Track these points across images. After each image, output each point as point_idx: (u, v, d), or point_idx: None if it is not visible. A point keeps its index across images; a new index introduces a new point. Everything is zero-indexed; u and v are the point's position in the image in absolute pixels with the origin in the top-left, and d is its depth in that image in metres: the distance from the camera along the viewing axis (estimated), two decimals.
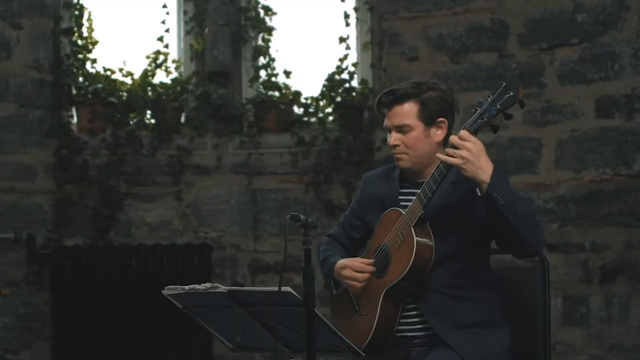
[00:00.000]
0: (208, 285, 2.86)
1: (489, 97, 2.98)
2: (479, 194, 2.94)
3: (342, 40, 6.03)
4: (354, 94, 6.04)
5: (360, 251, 3.35)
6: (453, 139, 2.96)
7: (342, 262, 3.24)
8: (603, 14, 5.34)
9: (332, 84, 6.05)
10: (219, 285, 2.86)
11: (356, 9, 6.07)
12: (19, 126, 5.78)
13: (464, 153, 2.92)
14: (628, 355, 5.22)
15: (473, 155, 2.92)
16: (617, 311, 5.27)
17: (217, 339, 3.08)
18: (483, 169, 2.92)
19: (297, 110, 6.14)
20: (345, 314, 3.28)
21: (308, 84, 6.21)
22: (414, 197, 3.11)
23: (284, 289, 2.71)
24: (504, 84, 2.98)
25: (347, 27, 6.05)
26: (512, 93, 2.95)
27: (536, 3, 5.55)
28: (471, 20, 5.70)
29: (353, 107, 6.00)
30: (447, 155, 2.96)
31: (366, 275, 3.16)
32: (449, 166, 2.98)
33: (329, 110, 6.13)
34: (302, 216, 2.80)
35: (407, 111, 3.16)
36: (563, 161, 5.45)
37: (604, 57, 5.34)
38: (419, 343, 3.14)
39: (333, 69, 6.06)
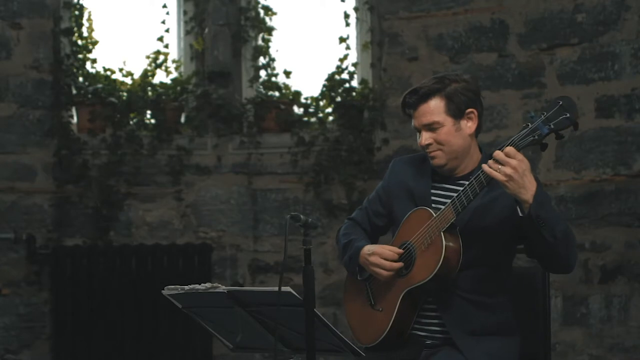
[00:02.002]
0: (208, 285, 2.86)
1: (543, 114, 2.87)
2: (520, 214, 2.88)
3: (342, 40, 6.03)
4: (354, 94, 6.03)
5: (380, 238, 3.31)
6: (498, 154, 2.87)
7: (371, 248, 3.17)
8: (603, 14, 5.34)
9: (332, 84, 6.05)
10: (219, 285, 2.86)
11: (356, 9, 6.07)
12: (19, 126, 5.78)
13: (508, 170, 2.84)
14: (628, 355, 5.22)
15: (517, 174, 2.84)
16: (617, 311, 5.26)
17: (217, 339, 3.08)
18: (526, 188, 2.85)
19: (297, 110, 6.14)
20: (360, 306, 3.24)
21: (308, 84, 6.23)
22: (445, 192, 3.08)
23: (284, 289, 2.71)
24: (561, 102, 2.86)
25: (347, 27, 6.05)
26: (568, 115, 2.84)
27: (536, 3, 5.55)
28: (471, 20, 5.70)
29: (353, 107, 6.00)
30: (491, 168, 2.88)
31: (396, 265, 3.09)
32: (489, 177, 2.90)
33: (329, 110, 6.13)
34: (302, 216, 2.79)
35: (434, 108, 3.10)
36: (563, 161, 5.45)
37: (604, 57, 5.33)
38: (430, 344, 3.12)
39: (333, 69, 6.06)
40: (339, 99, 6.05)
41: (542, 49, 5.53)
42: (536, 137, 2.87)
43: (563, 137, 2.91)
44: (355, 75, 6.08)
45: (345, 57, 6.05)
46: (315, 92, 6.13)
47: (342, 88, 6.04)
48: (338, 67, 6.06)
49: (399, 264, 3.10)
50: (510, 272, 3.18)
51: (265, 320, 2.87)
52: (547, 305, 3.26)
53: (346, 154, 5.94)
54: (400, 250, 3.11)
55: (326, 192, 5.94)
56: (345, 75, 6.05)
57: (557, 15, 5.49)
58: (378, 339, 3.12)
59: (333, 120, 6.08)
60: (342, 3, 6.06)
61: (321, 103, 6.14)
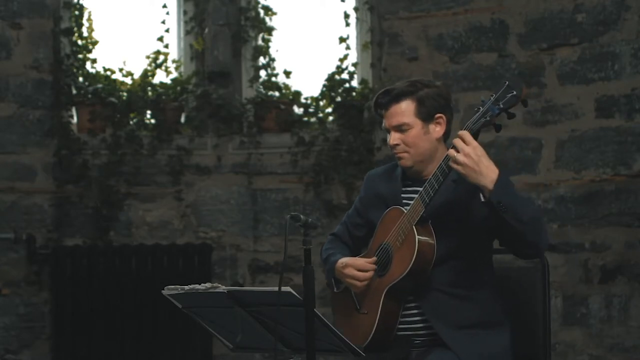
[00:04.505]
0: (208, 285, 2.86)
1: (492, 95, 2.96)
2: (482, 199, 2.93)
3: (342, 40, 6.03)
4: (354, 94, 6.04)
5: (363, 249, 3.35)
6: (455, 141, 2.94)
7: (344, 260, 3.23)
8: (603, 14, 5.34)
9: (332, 84, 6.06)
10: (219, 285, 2.86)
11: (356, 9, 6.07)
12: (19, 126, 5.78)
13: (461, 158, 2.90)
14: (628, 355, 5.22)
15: (472, 161, 2.89)
16: (617, 311, 5.27)
17: (217, 339, 3.08)
18: (484, 174, 2.89)
19: (297, 110, 6.14)
20: (347, 313, 3.27)
21: (308, 84, 6.23)
22: (415, 195, 3.10)
23: (284, 289, 2.71)
24: (507, 82, 2.96)
25: (347, 27, 6.06)
26: (515, 92, 2.93)
27: (536, 3, 5.55)
28: (471, 20, 5.70)
29: (353, 107, 6.00)
30: (450, 155, 2.94)
31: (368, 274, 3.15)
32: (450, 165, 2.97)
33: (329, 110, 6.13)
34: (302, 216, 2.79)
35: (405, 109, 3.16)
36: (563, 161, 5.45)
37: (604, 57, 5.34)
38: (419, 343, 3.13)
39: (333, 69, 6.07)
40: (339, 99, 6.05)
41: (542, 49, 5.53)
42: (488, 118, 2.95)
43: (514, 116, 2.98)
44: (355, 75, 6.09)
45: (345, 57, 6.05)
46: (315, 92, 6.14)
47: (342, 88, 6.05)
48: (338, 67, 6.06)
49: (370, 274, 3.14)
50: (489, 264, 3.19)
51: (265, 320, 2.87)
52: (547, 305, 3.26)
53: (346, 154, 5.94)
54: (373, 259, 3.17)
55: (326, 192, 5.94)
56: (345, 75, 6.06)
57: (557, 15, 5.49)
58: (365, 341, 3.14)
59: (333, 120, 6.09)
60: (342, 3, 6.07)
61: (321, 103, 6.14)
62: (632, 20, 5.25)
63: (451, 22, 5.73)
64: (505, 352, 3.11)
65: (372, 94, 5.94)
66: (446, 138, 3.22)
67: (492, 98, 2.95)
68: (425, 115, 3.16)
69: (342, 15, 6.04)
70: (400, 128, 3.17)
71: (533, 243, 2.98)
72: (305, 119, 6.11)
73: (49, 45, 5.85)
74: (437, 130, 3.18)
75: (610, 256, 5.30)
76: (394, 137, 3.18)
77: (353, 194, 5.85)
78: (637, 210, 5.22)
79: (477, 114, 2.97)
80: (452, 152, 2.93)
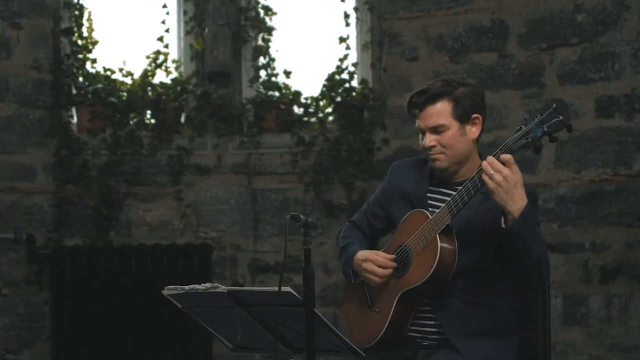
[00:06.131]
0: (208, 285, 2.86)
1: (537, 116, 2.88)
2: (503, 225, 2.88)
3: (342, 40, 6.03)
4: (354, 94, 6.04)
5: (380, 240, 3.32)
6: (493, 161, 2.87)
7: (364, 254, 3.17)
8: (603, 14, 5.34)
9: (332, 84, 6.05)
10: (219, 285, 2.86)
11: (356, 9, 6.07)
12: (19, 126, 5.78)
13: (499, 178, 2.85)
14: (628, 355, 5.22)
15: (507, 184, 2.84)
16: (617, 311, 5.27)
17: (217, 339, 3.08)
18: (514, 200, 2.84)
19: (297, 110, 6.14)
20: (358, 307, 3.25)
21: (308, 84, 6.22)
22: (442, 197, 3.07)
23: (284, 289, 2.71)
24: (554, 106, 2.88)
25: (347, 27, 6.05)
26: (561, 117, 2.86)
27: (536, 3, 5.55)
28: (471, 20, 5.70)
29: (353, 107, 6.00)
30: (486, 171, 2.88)
31: (387, 271, 3.10)
32: (483, 181, 2.90)
33: (329, 110, 6.13)
34: (302, 216, 2.80)
35: (441, 110, 3.08)
36: (563, 161, 5.45)
37: (604, 57, 5.34)
38: (427, 346, 3.12)
39: (333, 69, 6.06)
40: (339, 99, 6.05)
41: (542, 49, 5.53)
42: (529, 139, 2.88)
43: (557, 140, 2.92)
44: (355, 75, 6.08)
45: (345, 57, 6.05)
46: (315, 92, 6.14)
47: (342, 88, 6.04)
48: (338, 67, 6.06)
49: (390, 271, 3.11)
50: (508, 275, 3.13)
51: (265, 320, 2.88)
52: (547, 305, 3.26)
53: (346, 154, 5.94)
54: (393, 257, 3.13)
55: (326, 192, 5.94)
56: (345, 75, 6.05)
57: (557, 15, 5.49)
58: (374, 340, 3.12)
59: (333, 120, 6.09)
60: (342, 3, 6.07)
61: (321, 103, 6.14)
62: (632, 20, 5.25)
63: (451, 22, 5.73)
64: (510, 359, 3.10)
65: (372, 94, 5.95)
66: (479, 138, 3.16)
67: (536, 119, 2.88)
68: (462, 116, 3.08)
69: (342, 15, 6.04)
70: (437, 129, 3.08)
71: (532, 279, 3.02)
72: (305, 119, 6.11)
73: (49, 45, 5.85)
74: (473, 130, 3.11)
75: (610, 256, 5.30)
76: (429, 139, 3.09)
77: (353, 194, 5.85)
78: (637, 210, 5.22)
79: (519, 133, 2.89)
80: (487, 167, 2.87)
